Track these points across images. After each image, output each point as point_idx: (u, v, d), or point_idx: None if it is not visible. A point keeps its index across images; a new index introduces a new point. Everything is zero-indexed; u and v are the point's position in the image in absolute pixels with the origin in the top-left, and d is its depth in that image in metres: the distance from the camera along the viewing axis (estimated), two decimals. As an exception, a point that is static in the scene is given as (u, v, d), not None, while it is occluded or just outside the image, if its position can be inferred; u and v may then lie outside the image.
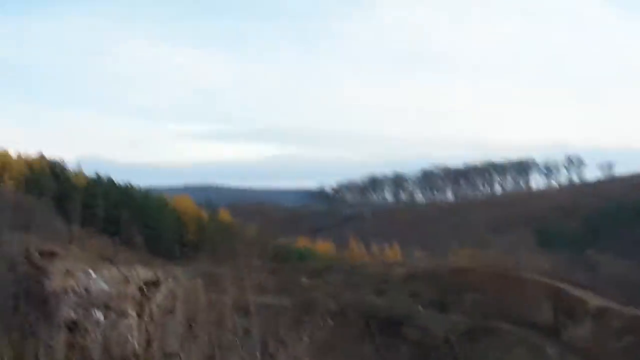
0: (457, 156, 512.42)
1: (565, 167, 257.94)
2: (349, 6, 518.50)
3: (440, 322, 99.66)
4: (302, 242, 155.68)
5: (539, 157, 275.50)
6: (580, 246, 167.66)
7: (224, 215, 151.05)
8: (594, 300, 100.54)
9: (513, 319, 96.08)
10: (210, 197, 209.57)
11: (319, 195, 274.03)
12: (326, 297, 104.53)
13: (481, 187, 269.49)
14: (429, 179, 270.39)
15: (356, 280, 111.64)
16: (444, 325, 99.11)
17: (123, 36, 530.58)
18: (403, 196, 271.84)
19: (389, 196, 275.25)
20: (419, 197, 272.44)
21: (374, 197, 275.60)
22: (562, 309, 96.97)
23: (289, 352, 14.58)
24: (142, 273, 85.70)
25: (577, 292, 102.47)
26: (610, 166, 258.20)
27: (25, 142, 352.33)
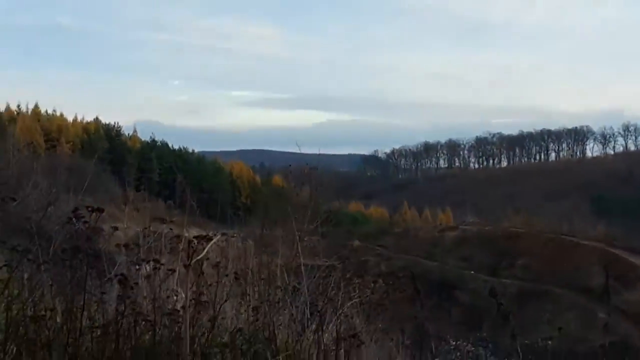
0: (512, 124, 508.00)
1: (622, 135, 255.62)
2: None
3: (491, 285, 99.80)
4: (355, 207, 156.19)
5: (595, 125, 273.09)
6: (636, 213, 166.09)
7: (277, 179, 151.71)
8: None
9: (564, 283, 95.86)
10: (263, 161, 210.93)
11: (373, 160, 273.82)
12: (378, 259, 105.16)
13: (536, 155, 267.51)
14: (483, 146, 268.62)
15: (408, 244, 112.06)
16: (495, 289, 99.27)
17: (173, 8, 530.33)
18: (457, 163, 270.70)
19: (442, 163, 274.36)
20: (473, 164, 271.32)
21: (428, 163, 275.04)
22: (614, 274, 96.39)
23: (339, 311, 14.76)
24: (194, 232, 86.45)
25: (631, 258, 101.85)
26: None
27: (82, 107, 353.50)
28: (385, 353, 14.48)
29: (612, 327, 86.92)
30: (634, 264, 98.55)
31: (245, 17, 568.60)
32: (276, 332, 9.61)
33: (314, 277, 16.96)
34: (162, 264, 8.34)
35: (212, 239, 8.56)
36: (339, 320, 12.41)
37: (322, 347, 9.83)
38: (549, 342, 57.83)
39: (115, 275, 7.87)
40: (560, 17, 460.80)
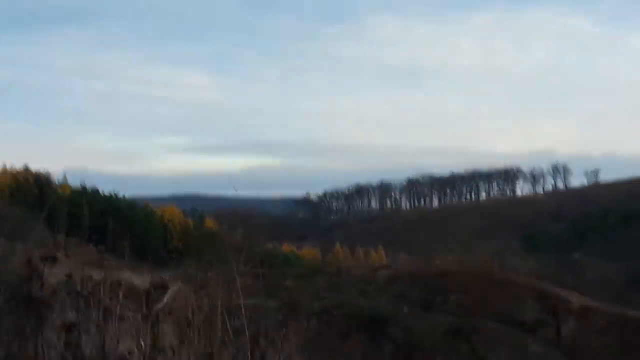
0: (443, 165, 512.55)
1: (551, 175, 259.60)
2: (334, 24, 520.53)
3: (424, 321, 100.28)
4: (288, 249, 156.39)
5: (525, 166, 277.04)
6: (566, 250, 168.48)
7: (209, 222, 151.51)
8: (578, 300, 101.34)
9: (497, 318, 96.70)
10: (196, 206, 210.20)
11: (305, 203, 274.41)
12: (311, 298, 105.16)
13: (467, 195, 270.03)
14: (415, 187, 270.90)
15: (341, 283, 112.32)
16: (429, 325, 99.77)
17: (107, 56, 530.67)
18: (389, 204, 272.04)
19: (374, 204, 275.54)
20: (405, 205, 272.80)
21: (360, 205, 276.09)
22: (546, 308, 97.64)
23: (278, 350, 15.09)
24: (127, 276, 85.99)
25: (562, 293, 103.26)
26: (595, 173, 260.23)
27: (10, 155, 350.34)
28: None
29: None
30: (565, 298, 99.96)
31: (179, 66, 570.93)
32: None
33: (251, 317, 17.16)
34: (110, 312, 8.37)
35: (168, 288, 8.70)
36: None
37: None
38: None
39: (64, 324, 7.86)
40: (490, 59, 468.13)
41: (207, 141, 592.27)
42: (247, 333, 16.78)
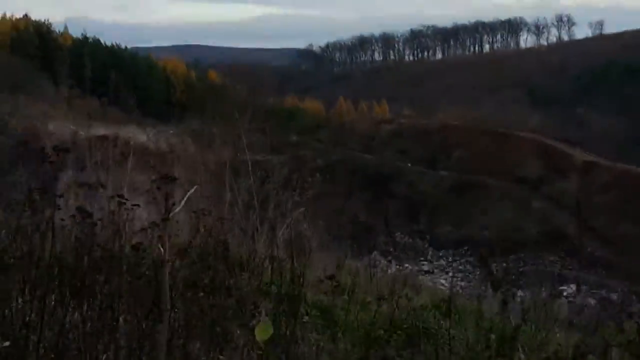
0: (446, 16, 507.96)
1: (555, 26, 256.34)
2: None
3: (427, 177, 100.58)
4: (291, 102, 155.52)
5: (529, 16, 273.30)
6: (570, 104, 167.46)
7: (213, 75, 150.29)
8: (582, 156, 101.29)
9: (500, 174, 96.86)
10: (198, 57, 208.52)
11: (307, 54, 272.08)
12: (315, 154, 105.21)
13: (470, 47, 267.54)
14: (418, 38, 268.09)
15: (344, 138, 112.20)
16: (431, 181, 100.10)
17: None
18: (392, 56, 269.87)
19: (377, 56, 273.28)
20: (408, 56, 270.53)
21: (363, 57, 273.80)
22: (549, 164, 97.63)
23: (282, 207, 14.78)
24: (131, 130, 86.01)
25: (565, 148, 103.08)
26: (600, 25, 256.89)
27: (10, 3, 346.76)
28: (333, 257, 14.49)
29: (547, 216, 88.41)
30: (568, 154, 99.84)
31: None
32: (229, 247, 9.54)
33: (255, 174, 16.87)
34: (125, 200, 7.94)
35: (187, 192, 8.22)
36: (288, 229, 12.38)
37: (276, 261, 9.81)
38: (485, 232, 59.25)
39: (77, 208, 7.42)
40: None
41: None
42: (254, 192, 16.53)
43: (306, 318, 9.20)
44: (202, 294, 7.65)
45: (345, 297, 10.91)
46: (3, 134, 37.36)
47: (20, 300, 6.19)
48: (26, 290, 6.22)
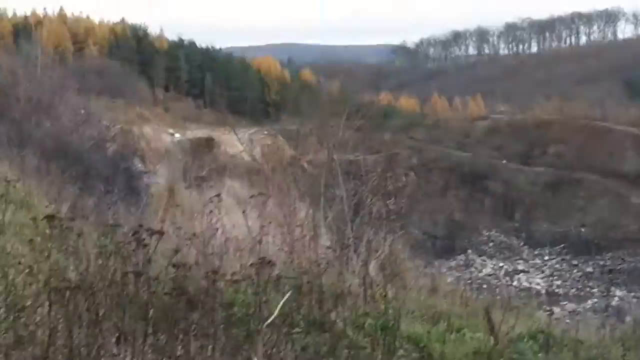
0: (542, 7, 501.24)
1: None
2: None
3: (523, 174, 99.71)
4: (385, 99, 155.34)
5: (627, 6, 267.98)
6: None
7: (307, 74, 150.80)
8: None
9: (597, 170, 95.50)
10: (292, 56, 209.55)
11: (402, 51, 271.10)
12: (409, 152, 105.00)
13: (567, 39, 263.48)
14: (513, 32, 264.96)
15: (439, 135, 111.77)
16: (527, 178, 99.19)
17: None
18: (487, 50, 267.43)
19: (472, 50, 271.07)
20: (503, 50, 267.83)
21: (457, 51, 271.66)
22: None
23: (376, 205, 14.88)
24: (226, 133, 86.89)
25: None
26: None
27: (108, 8, 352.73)
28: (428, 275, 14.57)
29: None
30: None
31: None
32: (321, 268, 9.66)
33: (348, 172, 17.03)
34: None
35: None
36: (382, 255, 12.50)
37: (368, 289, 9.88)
38: (582, 229, 58.51)
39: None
40: None
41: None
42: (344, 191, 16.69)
43: (401, 352, 9.16)
44: (295, 331, 7.71)
45: (441, 326, 10.67)
46: (102, 142, 38.09)
47: (115, 350, 6.30)
48: (121, 339, 6.34)
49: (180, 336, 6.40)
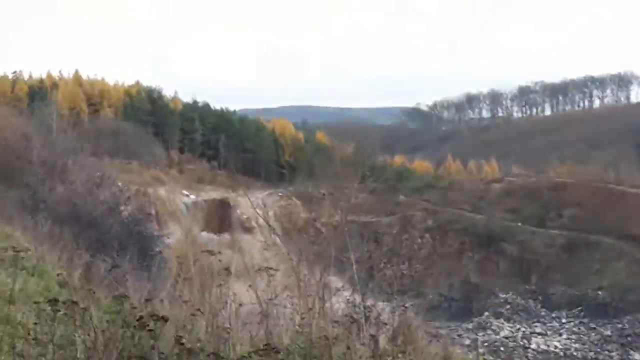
0: (555, 71, 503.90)
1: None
2: None
3: (538, 236, 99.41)
4: (399, 161, 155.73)
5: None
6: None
7: (321, 135, 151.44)
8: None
9: (613, 233, 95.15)
10: (306, 117, 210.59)
11: (415, 113, 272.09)
12: (424, 214, 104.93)
13: (580, 103, 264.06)
14: (526, 94, 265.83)
15: (454, 198, 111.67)
16: (543, 240, 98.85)
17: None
18: (500, 113, 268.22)
19: (485, 114, 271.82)
20: (517, 113, 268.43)
21: (471, 114, 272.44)
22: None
23: (392, 268, 14.80)
24: (240, 196, 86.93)
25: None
26: None
27: (122, 71, 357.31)
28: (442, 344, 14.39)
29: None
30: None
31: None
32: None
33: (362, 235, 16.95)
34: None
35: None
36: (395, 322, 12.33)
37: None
38: (599, 292, 58.05)
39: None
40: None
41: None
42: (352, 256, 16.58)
43: None
44: None
45: None
46: (116, 205, 38.10)
47: None
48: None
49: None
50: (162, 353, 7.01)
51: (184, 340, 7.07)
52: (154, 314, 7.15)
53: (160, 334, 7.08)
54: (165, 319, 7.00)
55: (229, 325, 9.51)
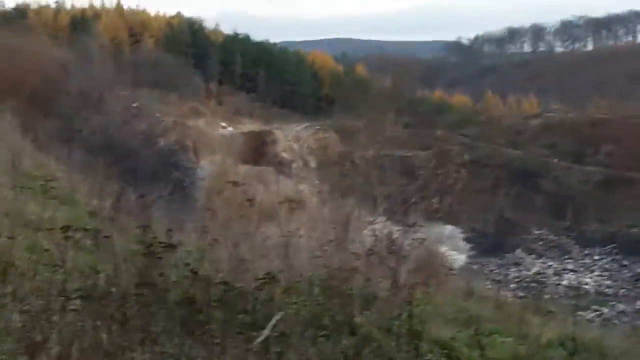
0: (598, 5, 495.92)
1: None
2: None
3: (574, 173, 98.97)
4: (438, 95, 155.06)
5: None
6: None
7: (360, 69, 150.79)
8: None
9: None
10: (345, 50, 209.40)
11: (456, 47, 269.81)
12: (461, 148, 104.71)
13: (624, 38, 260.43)
14: (569, 29, 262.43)
15: (492, 133, 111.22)
16: (579, 176, 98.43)
17: None
18: (542, 48, 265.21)
19: (527, 48, 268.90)
20: (559, 48, 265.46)
21: (512, 49, 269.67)
22: None
23: (425, 203, 15.07)
24: (277, 127, 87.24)
25: None
26: None
27: (164, 1, 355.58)
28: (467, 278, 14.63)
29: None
30: None
31: None
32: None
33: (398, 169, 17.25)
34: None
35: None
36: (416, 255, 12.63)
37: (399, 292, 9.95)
38: (634, 229, 58.02)
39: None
40: None
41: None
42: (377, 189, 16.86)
43: (429, 356, 9.15)
44: (321, 335, 7.81)
45: (471, 331, 10.40)
46: (152, 136, 38.50)
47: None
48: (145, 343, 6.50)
49: (188, 342, 6.60)
50: (175, 281, 7.32)
51: (195, 269, 7.35)
52: (161, 242, 7.39)
53: (168, 262, 7.33)
54: (173, 247, 7.26)
55: (247, 257, 9.78)
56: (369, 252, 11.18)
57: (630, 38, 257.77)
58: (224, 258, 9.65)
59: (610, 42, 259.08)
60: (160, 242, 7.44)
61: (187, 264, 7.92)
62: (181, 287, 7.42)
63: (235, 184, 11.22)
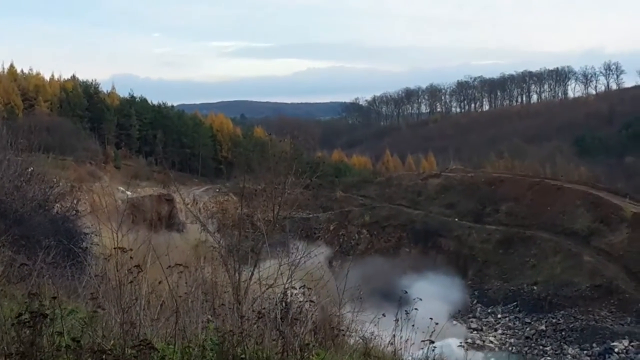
0: (493, 66, 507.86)
1: (603, 75, 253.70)
2: None
3: (475, 231, 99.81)
4: (337, 156, 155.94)
5: (577, 66, 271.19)
6: (619, 154, 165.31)
7: (259, 131, 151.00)
8: (632, 207, 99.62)
9: (549, 228, 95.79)
10: (244, 112, 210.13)
11: (354, 108, 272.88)
12: (362, 209, 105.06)
13: (518, 98, 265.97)
14: (465, 90, 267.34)
15: (392, 193, 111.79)
16: (480, 235, 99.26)
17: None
18: (439, 108, 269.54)
19: (424, 109, 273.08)
20: (455, 109, 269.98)
21: (410, 109, 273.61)
22: (598, 215, 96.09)
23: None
24: (178, 191, 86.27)
25: (615, 200, 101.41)
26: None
27: (59, 62, 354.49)
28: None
29: (598, 269, 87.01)
30: (618, 205, 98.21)
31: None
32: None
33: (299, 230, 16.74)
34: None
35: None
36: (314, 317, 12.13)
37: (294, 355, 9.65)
38: (534, 287, 58.38)
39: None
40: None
41: (255, 44, 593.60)
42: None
43: None
44: None
45: None
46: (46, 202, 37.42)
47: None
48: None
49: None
50: (47, 350, 6.77)
51: (77, 337, 6.83)
52: (33, 310, 6.89)
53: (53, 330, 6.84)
54: (44, 316, 6.75)
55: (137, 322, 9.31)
56: (260, 316, 10.80)
57: (524, 98, 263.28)
58: (113, 323, 9.21)
59: (506, 103, 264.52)
60: (40, 312, 6.90)
61: (68, 333, 7.38)
62: (62, 357, 6.96)
63: (123, 250, 10.65)
